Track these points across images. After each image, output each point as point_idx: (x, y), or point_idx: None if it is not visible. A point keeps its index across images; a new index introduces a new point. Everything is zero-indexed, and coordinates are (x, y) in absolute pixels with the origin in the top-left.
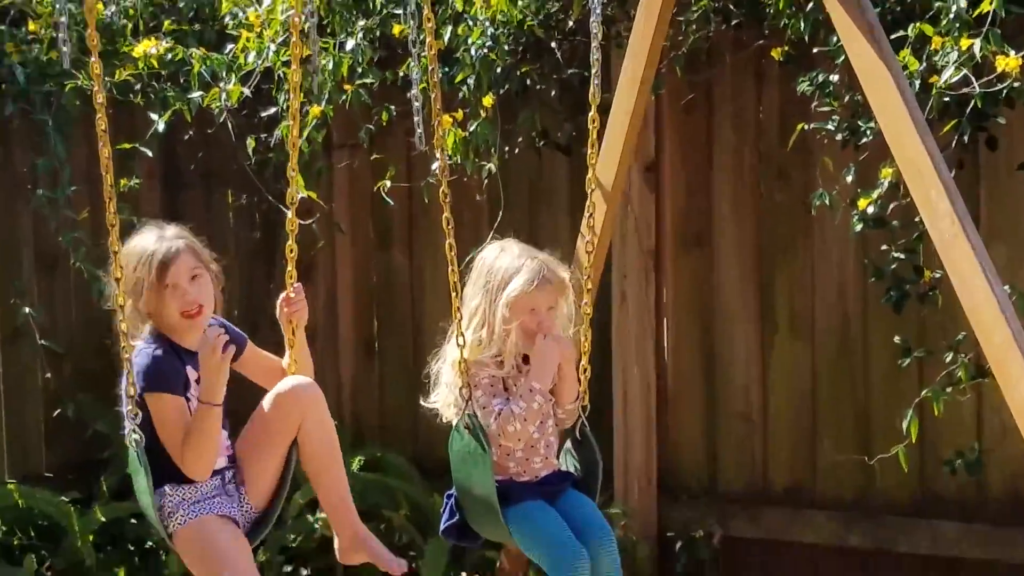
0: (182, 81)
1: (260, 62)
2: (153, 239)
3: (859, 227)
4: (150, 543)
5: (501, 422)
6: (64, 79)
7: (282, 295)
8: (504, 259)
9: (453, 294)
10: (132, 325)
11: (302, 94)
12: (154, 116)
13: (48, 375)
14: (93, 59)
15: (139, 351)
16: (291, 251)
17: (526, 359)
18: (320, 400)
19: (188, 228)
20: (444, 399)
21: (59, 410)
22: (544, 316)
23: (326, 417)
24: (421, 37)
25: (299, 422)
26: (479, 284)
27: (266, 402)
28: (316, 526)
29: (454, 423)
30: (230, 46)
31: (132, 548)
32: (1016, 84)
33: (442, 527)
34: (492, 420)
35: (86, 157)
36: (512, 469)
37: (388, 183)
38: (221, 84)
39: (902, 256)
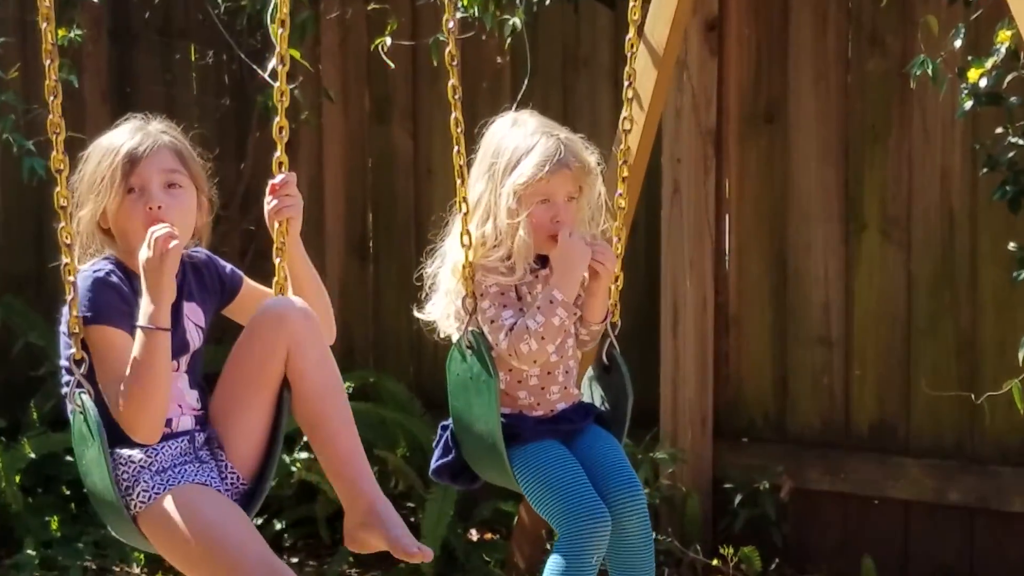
0: None
1: None
2: (128, 130)
3: (968, 104)
4: None
5: (513, 339)
6: None
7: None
8: (515, 135)
9: (458, 180)
10: (85, 242)
11: None
12: None
13: None
14: None
15: (84, 274)
16: (280, 130)
17: (543, 261)
18: (315, 327)
19: (177, 126)
20: (443, 310)
21: None
22: (561, 208)
23: (324, 352)
24: None
25: (285, 355)
26: (483, 166)
27: (243, 336)
28: (294, 468)
29: (454, 340)
30: None
31: (69, 493)
32: None
33: (433, 465)
34: (502, 337)
35: (17, 2)
36: (523, 400)
37: (388, 40)
38: None
39: (1021, 141)
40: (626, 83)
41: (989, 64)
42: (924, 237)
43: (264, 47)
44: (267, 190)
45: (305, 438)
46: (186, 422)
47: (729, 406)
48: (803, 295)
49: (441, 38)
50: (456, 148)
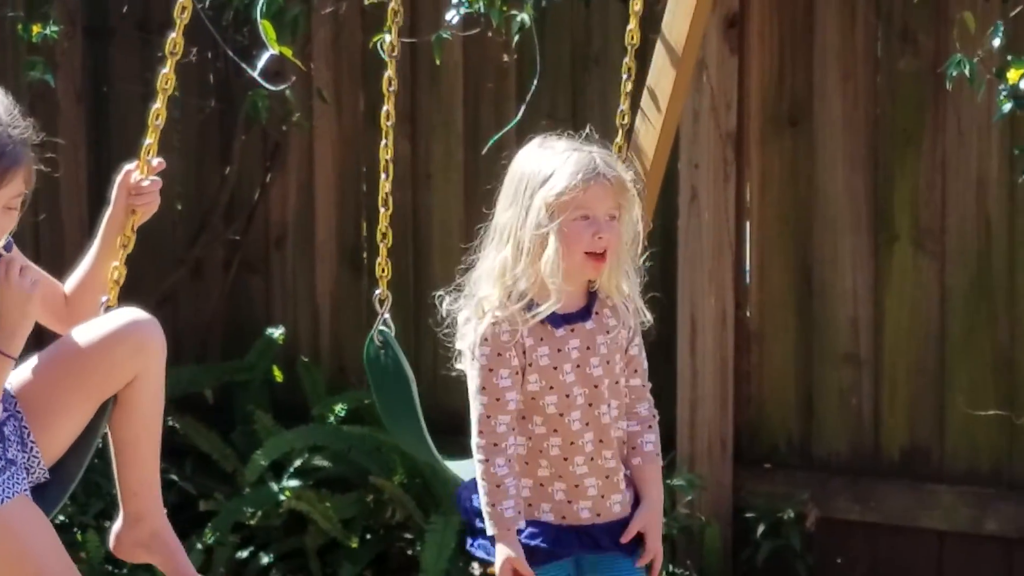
0: None
1: None
2: None
3: (1007, 107)
4: (62, 518)
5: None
6: None
7: (126, 174)
8: (544, 155)
9: (383, 175)
10: None
11: None
12: None
13: None
14: None
15: None
16: (156, 117)
17: (556, 320)
18: (164, 350)
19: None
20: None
21: None
22: (603, 225)
23: (162, 383)
24: None
25: (133, 375)
26: (509, 192)
27: (89, 335)
28: (282, 497)
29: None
30: None
31: None
32: None
33: (469, 544)
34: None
35: None
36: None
37: (387, 37)
38: None
39: None
40: (624, 76)
41: None
42: (959, 248)
43: (252, 44)
44: (122, 177)
45: (293, 466)
46: None
47: (751, 429)
48: (830, 310)
49: (444, 35)
50: (384, 142)
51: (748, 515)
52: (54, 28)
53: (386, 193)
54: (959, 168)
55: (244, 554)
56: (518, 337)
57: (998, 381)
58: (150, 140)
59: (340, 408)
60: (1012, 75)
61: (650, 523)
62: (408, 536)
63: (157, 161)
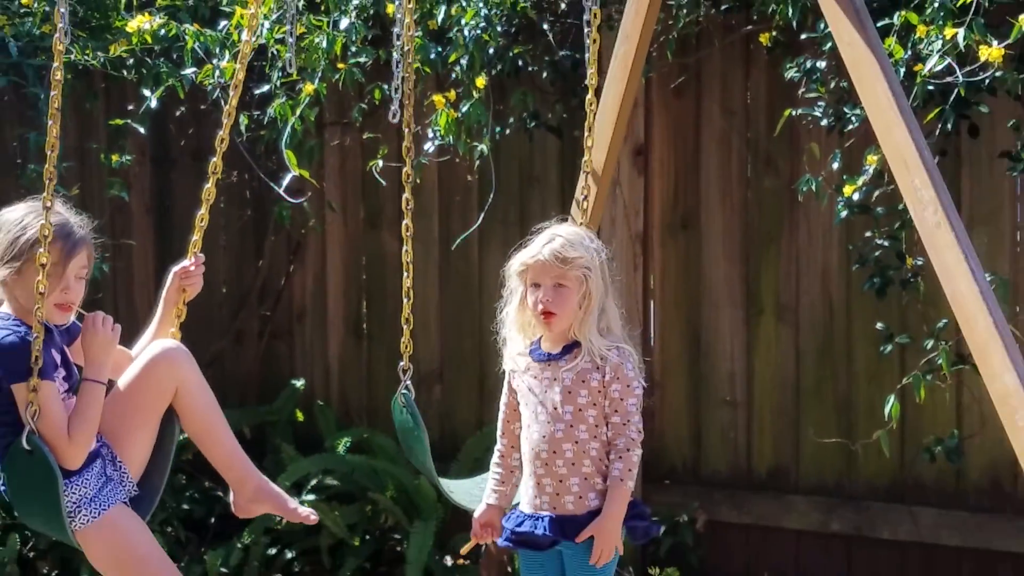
0: (175, 57)
1: (254, 39)
2: (60, 218)
3: (844, 213)
4: None
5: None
6: None
7: (179, 265)
8: (530, 239)
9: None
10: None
11: (295, 72)
12: (147, 92)
13: None
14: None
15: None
16: (201, 220)
17: (539, 355)
18: (193, 361)
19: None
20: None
21: None
22: (548, 291)
23: (201, 377)
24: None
25: (175, 388)
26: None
27: (133, 372)
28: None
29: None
30: (224, 22)
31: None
32: (998, 73)
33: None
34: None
35: (76, 131)
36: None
37: (380, 162)
38: (214, 61)
39: (885, 243)
40: (580, 196)
41: (860, 182)
42: (810, 320)
43: (279, 168)
44: (177, 269)
45: (310, 484)
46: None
47: (654, 454)
48: (713, 366)
49: (424, 160)
50: (404, 248)
51: (654, 519)
52: (128, 157)
53: (408, 287)
54: (809, 260)
55: (273, 551)
56: (511, 366)
57: (839, 418)
58: (196, 237)
59: (346, 441)
60: (847, 190)
61: (601, 529)
62: (397, 536)
63: (200, 256)
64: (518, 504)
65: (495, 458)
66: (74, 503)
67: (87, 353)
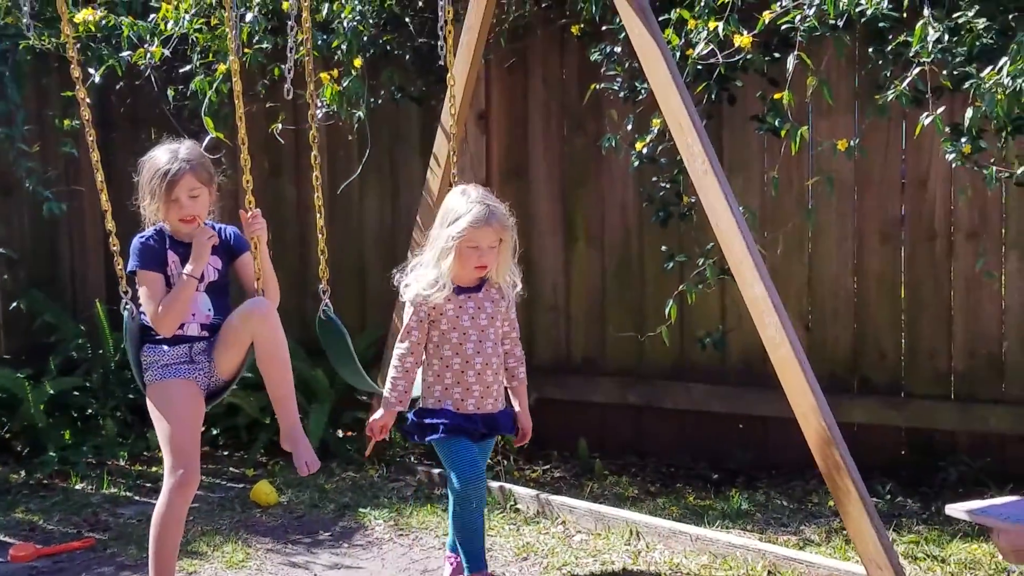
0: (114, 43)
1: (177, 28)
2: (167, 158)
3: (636, 163)
4: (90, 410)
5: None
6: (18, 39)
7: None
8: (461, 201)
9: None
10: (151, 219)
11: (212, 54)
12: (91, 71)
13: (5, 276)
14: (74, 69)
15: (135, 238)
16: (247, 182)
17: (459, 290)
18: (268, 318)
19: (199, 146)
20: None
21: (15, 304)
22: (485, 252)
23: (273, 332)
24: (299, 13)
25: (251, 334)
26: (439, 218)
27: (233, 315)
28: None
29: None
30: (152, 16)
31: (75, 415)
32: (748, 56)
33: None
34: (400, 337)
35: (35, 101)
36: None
37: (280, 125)
38: (146, 45)
39: (667, 186)
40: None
41: (648, 139)
42: (611, 245)
43: (200, 130)
44: (246, 217)
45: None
46: (193, 328)
47: None
48: (540, 281)
49: (311, 124)
50: (316, 194)
51: None
52: (76, 122)
53: (321, 225)
54: (611, 200)
55: (204, 428)
56: (431, 301)
57: (634, 317)
58: (249, 196)
59: None
60: (638, 145)
61: (524, 418)
62: (301, 416)
63: (255, 210)
64: (418, 399)
65: (399, 372)
66: (148, 363)
67: (192, 253)
